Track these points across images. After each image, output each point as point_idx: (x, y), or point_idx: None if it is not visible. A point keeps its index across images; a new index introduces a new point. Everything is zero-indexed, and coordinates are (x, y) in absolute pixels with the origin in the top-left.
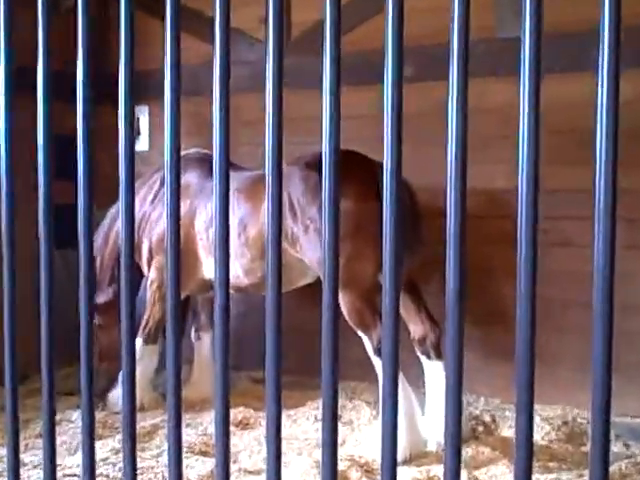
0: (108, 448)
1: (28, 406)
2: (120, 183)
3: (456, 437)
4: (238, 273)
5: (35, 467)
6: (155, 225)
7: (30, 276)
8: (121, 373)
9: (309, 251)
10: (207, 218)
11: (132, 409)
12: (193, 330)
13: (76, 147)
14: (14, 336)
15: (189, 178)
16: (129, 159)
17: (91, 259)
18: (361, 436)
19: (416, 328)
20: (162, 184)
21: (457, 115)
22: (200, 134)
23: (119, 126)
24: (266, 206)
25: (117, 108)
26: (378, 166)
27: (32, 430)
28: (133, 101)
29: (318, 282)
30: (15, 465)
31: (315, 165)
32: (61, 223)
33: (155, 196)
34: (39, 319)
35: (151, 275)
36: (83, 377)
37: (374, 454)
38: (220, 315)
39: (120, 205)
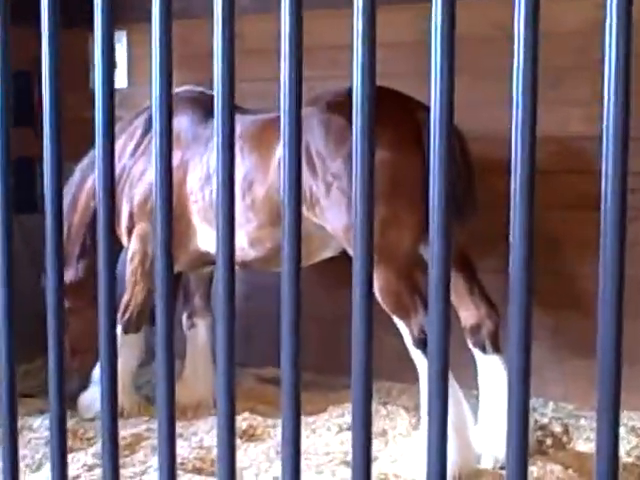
0: (79, 464)
1: None
2: (96, 128)
3: (520, 452)
4: (242, 244)
5: None
6: (137, 183)
7: None
8: (96, 370)
9: (332, 216)
10: (203, 174)
11: (113, 416)
12: (185, 316)
13: (38, 85)
14: None
15: (180, 124)
16: (107, 97)
17: (61, 227)
18: (397, 450)
19: (468, 314)
20: (146, 131)
21: (525, 40)
22: (189, 67)
23: (95, 56)
24: (278, 159)
25: (92, 32)
26: (420, 107)
27: None
28: (112, 23)
29: (343, 256)
30: None
31: (338, 106)
32: (18, 181)
33: (137, 146)
34: None
35: (132, 246)
36: (53, 373)
37: (413, 473)
38: (224, 297)
39: (97, 155)
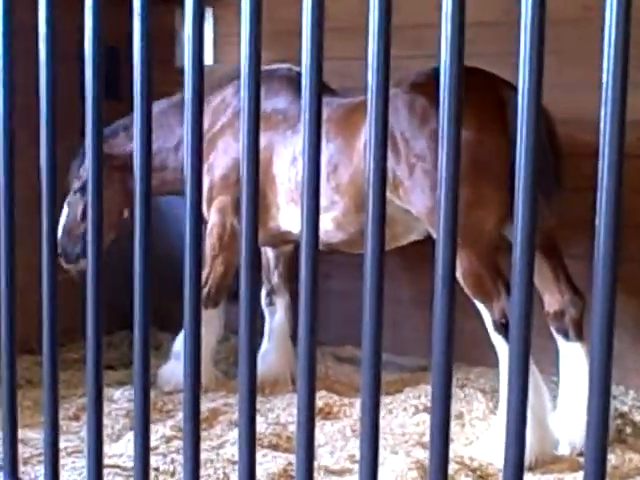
0: (158, 435)
1: (61, 381)
2: (185, 105)
3: (600, 439)
4: (327, 227)
5: (70, 454)
6: (223, 155)
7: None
8: (176, 344)
9: (415, 198)
10: (290, 155)
11: (195, 390)
12: (264, 293)
13: (127, 60)
14: (54, 296)
15: (277, 103)
16: (196, 74)
17: (149, 201)
18: (473, 433)
19: (552, 300)
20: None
21: (616, 21)
22: (274, 46)
23: (184, 33)
24: (363, 142)
25: (179, 9)
26: (505, 85)
27: (66, 410)
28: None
29: (426, 239)
30: (54, 452)
31: (421, 87)
32: None
33: (225, 117)
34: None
35: (211, 219)
36: (138, 345)
37: (489, 457)
38: (307, 277)
39: (185, 130)
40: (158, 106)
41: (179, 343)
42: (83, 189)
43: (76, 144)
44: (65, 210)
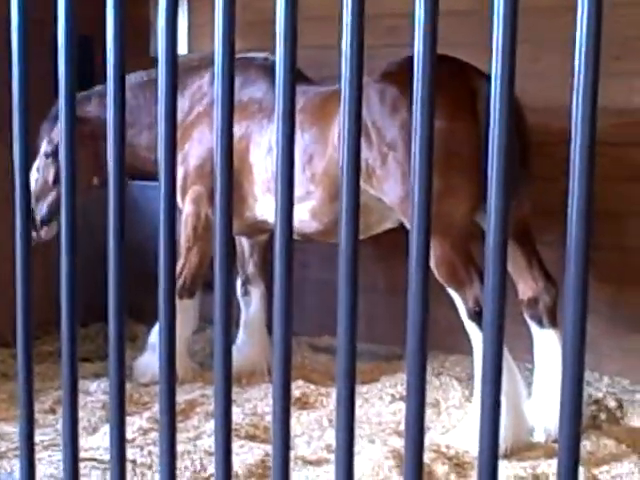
0: (135, 427)
1: (36, 374)
2: (159, 94)
3: (573, 426)
4: (302, 216)
5: (46, 448)
6: (197, 145)
7: None
8: (152, 335)
9: (388, 187)
10: (267, 145)
11: (170, 380)
12: (239, 283)
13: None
14: (29, 288)
15: (253, 92)
16: (170, 63)
17: (123, 192)
18: (449, 421)
19: (526, 287)
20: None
21: (588, 10)
22: (249, 36)
23: (158, 23)
24: (336, 132)
25: None
26: (478, 75)
27: (42, 404)
28: None
29: (399, 227)
30: (29, 445)
31: (392, 75)
32: None
33: (201, 107)
34: (56, 268)
35: (186, 209)
36: (113, 337)
37: (465, 444)
38: (282, 266)
39: (159, 119)
40: (135, 78)
41: (154, 335)
42: (55, 154)
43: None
44: (34, 175)
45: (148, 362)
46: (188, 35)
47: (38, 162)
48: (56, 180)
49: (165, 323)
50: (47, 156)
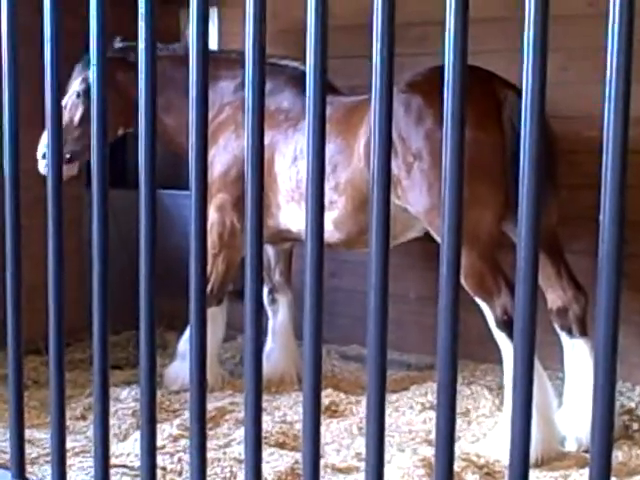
0: (165, 435)
1: (67, 381)
2: (190, 104)
3: (605, 435)
4: (326, 227)
5: (77, 454)
6: (222, 152)
7: (72, 225)
8: (181, 343)
9: (413, 197)
10: (292, 154)
11: (202, 389)
12: (266, 291)
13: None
14: (61, 295)
15: (281, 101)
16: (201, 73)
17: (154, 203)
18: (479, 430)
19: (555, 297)
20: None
21: (619, 18)
22: (277, 44)
23: (190, 33)
24: (362, 142)
25: (184, 9)
26: (501, 84)
27: (73, 410)
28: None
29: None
30: (61, 451)
31: (418, 86)
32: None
33: (227, 106)
34: (88, 276)
35: (211, 216)
36: (143, 345)
37: (496, 453)
38: (312, 275)
39: (190, 128)
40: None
41: (184, 342)
42: (86, 93)
43: None
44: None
45: (178, 370)
46: (218, 44)
47: (67, 99)
48: (82, 120)
49: (196, 330)
50: (78, 95)
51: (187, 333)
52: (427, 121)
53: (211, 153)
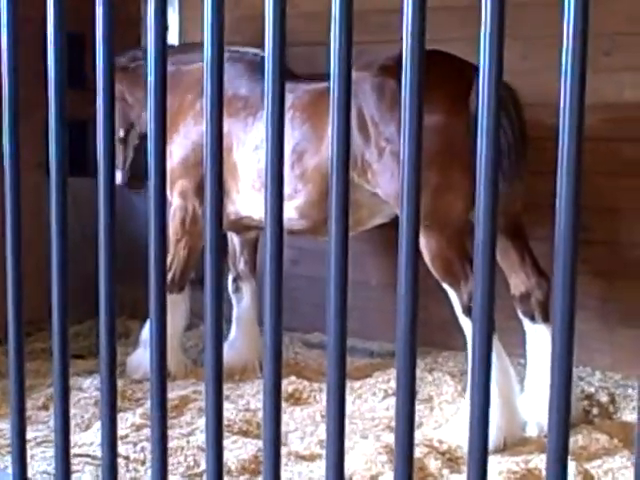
0: (127, 423)
1: (29, 371)
2: (148, 90)
3: (564, 420)
4: (290, 215)
5: (39, 444)
6: (182, 140)
7: (34, 214)
8: (144, 331)
9: (384, 181)
10: (253, 143)
11: (162, 376)
12: (230, 280)
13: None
14: (20, 285)
15: (238, 88)
16: (159, 59)
17: (113, 189)
18: (442, 416)
19: (518, 282)
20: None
21: (575, 6)
22: (239, 31)
23: (147, 19)
24: (330, 129)
25: None
26: (472, 69)
27: (35, 400)
28: None
29: (390, 223)
30: (21, 443)
31: (391, 70)
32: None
33: (185, 102)
34: (48, 265)
35: (174, 202)
36: (104, 334)
37: (458, 439)
38: (272, 262)
39: (148, 115)
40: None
41: (147, 331)
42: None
43: (40, 133)
44: None
45: (140, 358)
46: (179, 29)
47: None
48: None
49: (156, 318)
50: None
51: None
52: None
53: (174, 138)
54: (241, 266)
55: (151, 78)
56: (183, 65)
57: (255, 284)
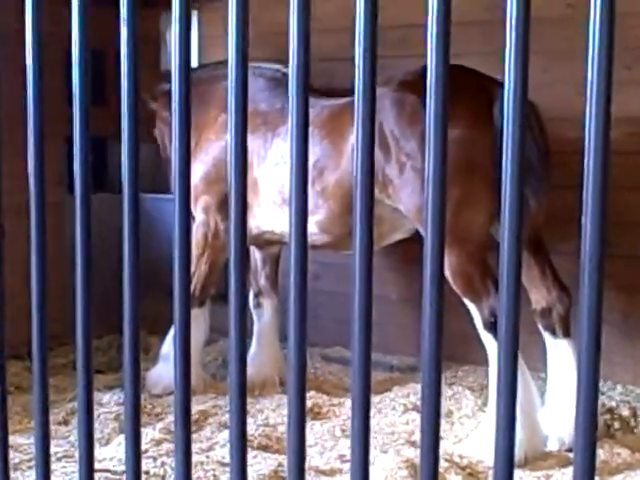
0: (148, 438)
1: (50, 386)
2: (172, 108)
3: (589, 435)
4: (311, 230)
5: (59, 459)
6: (204, 155)
7: (54, 230)
8: (164, 346)
9: (405, 196)
10: (273, 160)
11: (186, 392)
12: (251, 295)
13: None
14: (44, 301)
15: (258, 104)
16: (183, 76)
17: (137, 206)
18: (462, 431)
19: (539, 297)
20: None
21: (600, 20)
22: (259, 46)
23: (172, 35)
24: (352, 145)
25: (165, 12)
26: (494, 84)
27: (55, 415)
28: (189, 3)
29: (410, 238)
30: (45, 457)
31: (411, 85)
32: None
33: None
34: (72, 280)
35: (197, 217)
36: (128, 350)
37: (479, 454)
38: (296, 278)
39: (174, 133)
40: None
41: (167, 346)
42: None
43: (62, 150)
44: None
45: (160, 373)
46: (198, 47)
47: None
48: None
49: (180, 333)
50: None
51: (170, 336)
52: (421, 121)
53: (197, 153)
54: (262, 282)
55: (175, 94)
56: (204, 82)
57: (276, 300)
